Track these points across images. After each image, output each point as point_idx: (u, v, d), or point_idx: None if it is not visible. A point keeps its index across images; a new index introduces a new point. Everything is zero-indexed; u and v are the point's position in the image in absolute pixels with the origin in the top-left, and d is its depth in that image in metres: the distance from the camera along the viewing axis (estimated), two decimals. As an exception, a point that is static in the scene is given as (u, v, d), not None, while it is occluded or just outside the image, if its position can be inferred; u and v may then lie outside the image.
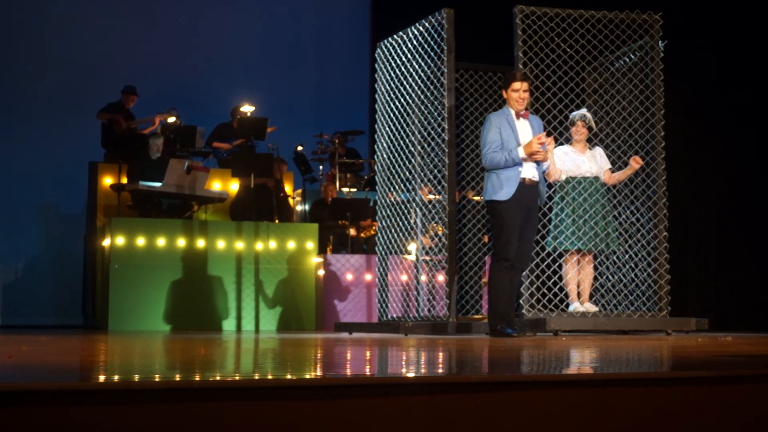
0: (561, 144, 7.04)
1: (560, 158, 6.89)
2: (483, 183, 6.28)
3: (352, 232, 9.82)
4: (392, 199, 7.82)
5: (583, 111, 7.04)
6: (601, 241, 6.89)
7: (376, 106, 7.95)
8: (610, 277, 7.22)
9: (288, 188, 10.59)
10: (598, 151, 7.06)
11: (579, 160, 6.94)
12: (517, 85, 6.05)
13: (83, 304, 10.34)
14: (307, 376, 2.26)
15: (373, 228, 9.57)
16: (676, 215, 7.59)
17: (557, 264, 6.90)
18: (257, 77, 12.73)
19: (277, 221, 9.58)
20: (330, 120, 12.24)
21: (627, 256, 7.20)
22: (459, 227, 8.03)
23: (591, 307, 6.89)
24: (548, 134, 6.22)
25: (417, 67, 7.35)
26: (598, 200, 6.91)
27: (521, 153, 5.92)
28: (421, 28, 7.28)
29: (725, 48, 8.75)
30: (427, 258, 7.71)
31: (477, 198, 8.10)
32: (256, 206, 9.57)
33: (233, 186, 10.18)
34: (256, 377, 2.23)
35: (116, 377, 2.22)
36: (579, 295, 6.98)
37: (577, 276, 6.95)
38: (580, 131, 6.96)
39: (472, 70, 8.16)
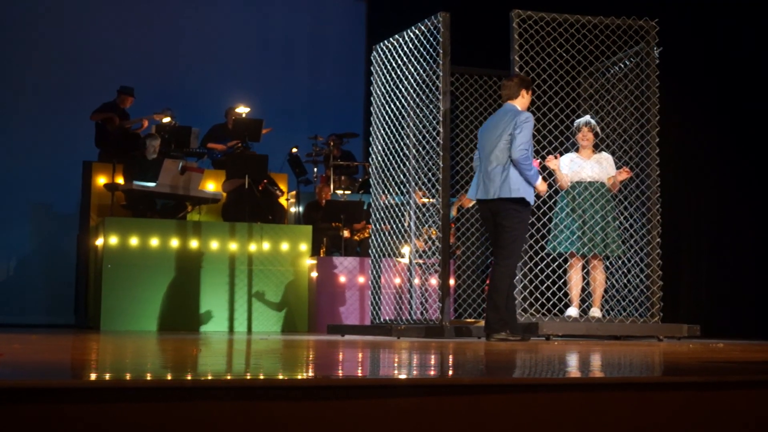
0: (565, 151, 7.08)
1: (566, 165, 6.95)
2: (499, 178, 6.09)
3: (346, 233, 9.81)
4: (386, 201, 7.82)
5: (588, 117, 7.08)
6: (605, 246, 6.89)
7: (372, 108, 7.95)
8: (604, 282, 7.22)
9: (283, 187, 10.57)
10: (605, 156, 7.07)
11: (583, 165, 6.96)
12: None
13: (75, 304, 10.31)
14: (299, 377, 2.26)
15: (367, 231, 9.56)
16: (670, 221, 7.60)
17: (550, 269, 6.91)
18: (252, 78, 12.72)
19: (260, 222, 9.50)
20: (325, 122, 12.24)
21: (620, 262, 7.21)
22: (455, 230, 8.03)
23: (596, 313, 6.89)
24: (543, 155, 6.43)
25: (413, 70, 7.35)
26: (603, 206, 6.92)
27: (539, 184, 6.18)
28: (417, 32, 7.29)
29: (721, 55, 8.77)
30: (420, 261, 7.71)
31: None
32: (237, 209, 9.55)
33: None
34: (248, 377, 2.23)
35: (107, 376, 2.22)
36: (583, 300, 7.01)
37: (581, 281, 6.96)
38: (587, 137, 6.98)
39: (468, 74, 8.17)
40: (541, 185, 6.20)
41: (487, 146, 6.16)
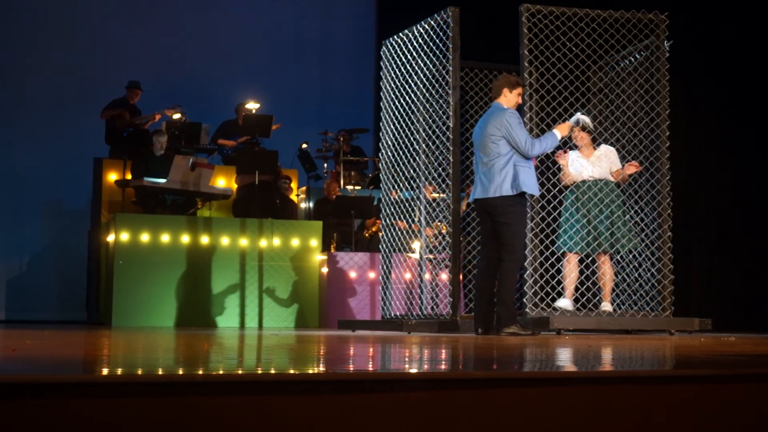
0: (571, 148, 7.07)
1: (572, 161, 6.95)
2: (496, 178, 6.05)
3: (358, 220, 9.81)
4: (396, 197, 7.82)
5: (577, 116, 7.01)
6: (610, 245, 6.88)
7: (381, 104, 7.95)
8: (614, 276, 7.21)
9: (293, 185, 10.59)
10: (605, 151, 7.02)
11: (584, 165, 6.95)
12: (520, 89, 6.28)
13: (87, 300, 10.35)
14: (310, 371, 2.26)
15: (377, 226, 9.56)
16: (680, 215, 7.58)
17: (561, 263, 6.91)
18: (262, 74, 12.73)
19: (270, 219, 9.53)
20: (335, 118, 12.24)
21: (631, 256, 7.20)
22: (464, 225, 8.02)
23: (607, 307, 6.88)
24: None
25: (422, 65, 7.35)
26: (607, 205, 6.89)
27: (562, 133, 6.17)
28: (426, 26, 7.28)
29: (730, 48, 8.74)
30: (431, 256, 7.71)
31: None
32: (248, 205, 9.56)
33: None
34: (259, 372, 2.24)
35: (119, 370, 2.23)
36: (594, 295, 7.00)
37: (577, 277, 6.96)
38: (578, 136, 6.98)
39: (477, 69, 8.15)
40: (562, 129, 6.21)
41: (478, 146, 6.21)
